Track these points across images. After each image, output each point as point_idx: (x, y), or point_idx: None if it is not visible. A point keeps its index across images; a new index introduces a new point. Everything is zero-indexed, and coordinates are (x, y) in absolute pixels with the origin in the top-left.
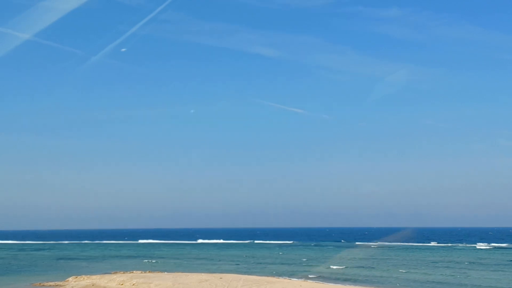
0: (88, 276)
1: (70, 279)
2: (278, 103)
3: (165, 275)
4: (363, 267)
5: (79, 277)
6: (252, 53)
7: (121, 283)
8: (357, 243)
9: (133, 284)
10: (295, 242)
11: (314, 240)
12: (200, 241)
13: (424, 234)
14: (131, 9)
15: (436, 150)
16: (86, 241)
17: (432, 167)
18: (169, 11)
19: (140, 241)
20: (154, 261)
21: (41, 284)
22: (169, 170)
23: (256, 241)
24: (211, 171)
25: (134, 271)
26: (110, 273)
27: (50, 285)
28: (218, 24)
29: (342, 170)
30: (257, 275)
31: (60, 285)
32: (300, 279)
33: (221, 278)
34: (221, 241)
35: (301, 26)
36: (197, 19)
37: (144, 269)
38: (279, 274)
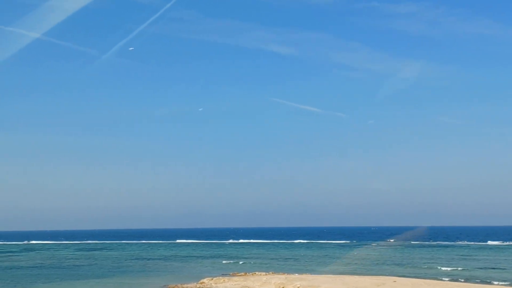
0: (224, 278)
1: (205, 280)
2: (292, 101)
3: (323, 277)
4: (486, 268)
5: (215, 278)
6: (266, 51)
7: (281, 286)
8: (412, 242)
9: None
10: (353, 241)
11: (350, 239)
12: (244, 240)
13: (447, 232)
14: (141, 6)
15: (451, 147)
16: (132, 241)
17: (447, 164)
18: (180, 9)
19: (179, 241)
20: (241, 262)
21: (177, 285)
22: (183, 170)
23: (302, 241)
24: (224, 170)
25: (261, 273)
26: (249, 274)
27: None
28: (230, 22)
29: (356, 168)
30: (415, 277)
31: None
32: (456, 281)
33: (394, 281)
34: (270, 241)
35: (315, 24)
36: (209, 17)
37: (251, 270)
38: (420, 276)
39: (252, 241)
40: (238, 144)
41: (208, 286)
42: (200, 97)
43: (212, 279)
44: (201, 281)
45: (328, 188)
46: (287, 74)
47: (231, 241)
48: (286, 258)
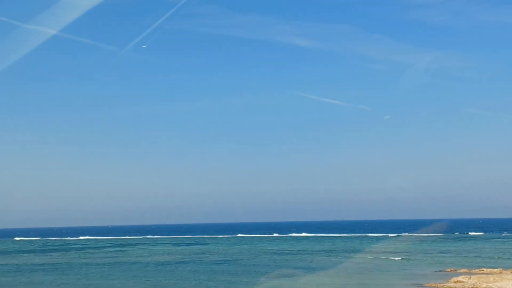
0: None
1: (460, 278)
2: (313, 94)
3: None
4: None
5: (473, 276)
6: (287, 43)
7: None
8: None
9: None
10: (399, 235)
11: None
12: (314, 234)
13: (468, 225)
14: (160, 1)
15: (478, 139)
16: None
17: (473, 156)
18: (200, 4)
19: (240, 235)
20: (405, 258)
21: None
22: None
23: (350, 235)
24: (243, 163)
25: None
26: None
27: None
28: (251, 16)
29: (379, 161)
30: None
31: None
32: None
33: None
34: (339, 234)
35: (336, 15)
36: (229, 12)
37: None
38: None
39: (332, 235)
40: (260, 137)
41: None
42: (220, 91)
43: (470, 277)
44: (450, 280)
45: (353, 182)
46: (309, 66)
47: (304, 234)
48: (445, 252)
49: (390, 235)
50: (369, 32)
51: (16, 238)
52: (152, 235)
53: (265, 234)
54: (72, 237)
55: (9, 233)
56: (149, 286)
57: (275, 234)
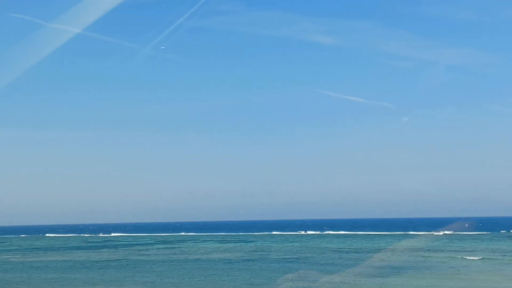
0: None
1: None
2: (336, 91)
3: None
4: None
5: None
6: (309, 41)
7: None
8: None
9: None
10: (445, 233)
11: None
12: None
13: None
14: None
15: (501, 136)
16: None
17: (497, 153)
18: (222, 2)
19: (275, 232)
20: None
21: None
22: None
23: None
24: (263, 162)
25: None
26: None
27: None
28: (272, 13)
29: (402, 159)
30: None
31: None
32: None
33: None
34: (373, 232)
35: (359, 12)
36: (252, 9)
37: None
38: None
39: (362, 232)
40: (282, 135)
41: None
42: (245, 89)
43: None
44: None
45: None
46: (331, 64)
47: (328, 232)
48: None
49: (434, 233)
50: (392, 29)
51: (49, 235)
52: (173, 232)
53: (297, 231)
54: (104, 233)
55: (33, 230)
56: (251, 286)
57: (308, 232)
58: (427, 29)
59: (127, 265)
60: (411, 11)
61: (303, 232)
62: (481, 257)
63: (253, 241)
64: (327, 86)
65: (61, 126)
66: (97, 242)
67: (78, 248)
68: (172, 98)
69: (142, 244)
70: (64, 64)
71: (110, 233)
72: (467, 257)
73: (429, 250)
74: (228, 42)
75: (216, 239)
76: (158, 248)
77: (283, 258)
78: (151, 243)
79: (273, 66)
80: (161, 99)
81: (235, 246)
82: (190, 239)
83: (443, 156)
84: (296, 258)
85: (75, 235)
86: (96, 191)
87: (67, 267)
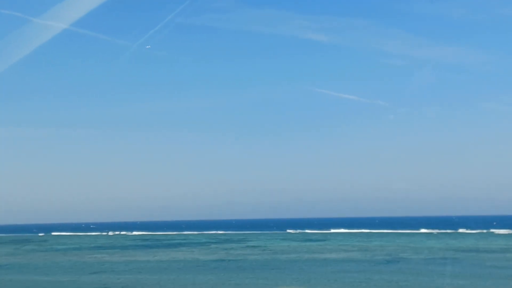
0: None
1: None
2: (329, 89)
3: None
4: None
5: None
6: (303, 39)
7: None
8: None
9: None
10: (488, 231)
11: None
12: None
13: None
14: None
15: (496, 134)
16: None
17: (491, 151)
18: None
19: (289, 230)
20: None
21: None
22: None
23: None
24: (260, 159)
25: None
26: None
27: None
28: (266, 10)
29: (397, 159)
30: None
31: None
32: None
33: None
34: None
35: (354, 10)
36: (244, 6)
37: None
38: None
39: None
40: (277, 132)
41: None
42: (238, 87)
43: None
44: None
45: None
46: (324, 61)
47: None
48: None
49: (473, 231)
50: (387, 27)
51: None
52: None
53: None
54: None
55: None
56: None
57: (363, 230)
58: (422, 28)
59: (221, 266)
60: (406, 9)
61: (333, 230)
62: None
63: (308, 240)
64: (322, 84)
65: (47, 124)
66: (150, 241)
67: (134, 247)
68: (162, 96)
69: (196, 243)
70: (50, 59)
71: (132, 231)
72: None
73: (490, 251)
74: (220, 39)
75: (277, 238)
76: (223, 248)
77: (373, 260)
78: (206, 242)
79: (267, 64)
80: (152, 97)
81: (300, 245)
82: (251, 238)
83: (437, 154)
84: (385, 257)
85: (116, 232)
86: (89, 190)
87: (184, 268)
